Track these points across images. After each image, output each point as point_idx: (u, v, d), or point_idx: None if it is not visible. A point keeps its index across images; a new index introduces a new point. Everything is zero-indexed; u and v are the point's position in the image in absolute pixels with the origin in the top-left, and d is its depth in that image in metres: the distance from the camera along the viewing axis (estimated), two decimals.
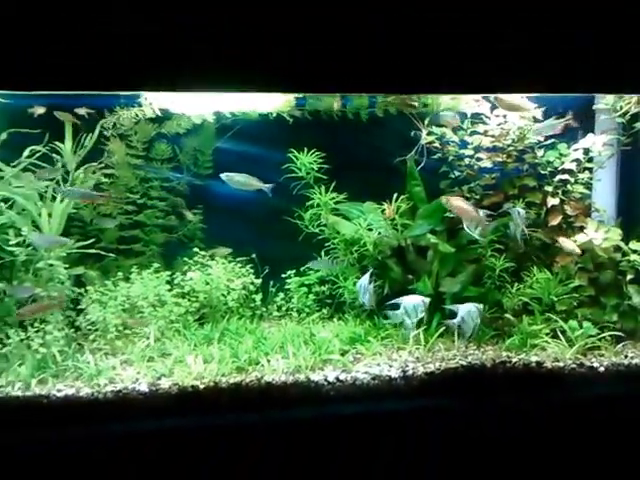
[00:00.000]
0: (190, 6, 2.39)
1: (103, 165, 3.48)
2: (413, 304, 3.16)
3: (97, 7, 2.33)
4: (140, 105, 3.41)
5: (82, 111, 3.30)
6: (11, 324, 3.14)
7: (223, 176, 3.42)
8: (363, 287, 3.30)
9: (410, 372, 3.04)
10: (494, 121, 3.50)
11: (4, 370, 2.93)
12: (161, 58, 2.43)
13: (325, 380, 2.97)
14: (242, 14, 2.42)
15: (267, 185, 3.39)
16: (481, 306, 3.27)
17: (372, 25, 2.51)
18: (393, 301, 3.21)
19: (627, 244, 3.43)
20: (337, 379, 2.98)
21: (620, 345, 3.26)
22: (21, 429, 2.70)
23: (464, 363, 3.10)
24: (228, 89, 2.78)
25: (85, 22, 2.35)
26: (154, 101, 3.36)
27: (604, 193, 3.66)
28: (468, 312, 3.23)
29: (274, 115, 3.52)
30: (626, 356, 3.19)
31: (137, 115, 3.43)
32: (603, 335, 3.26)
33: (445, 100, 3.43)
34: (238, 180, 3.37)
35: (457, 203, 3.25)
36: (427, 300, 3.20)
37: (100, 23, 2.35)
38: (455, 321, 3.23)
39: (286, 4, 2.43)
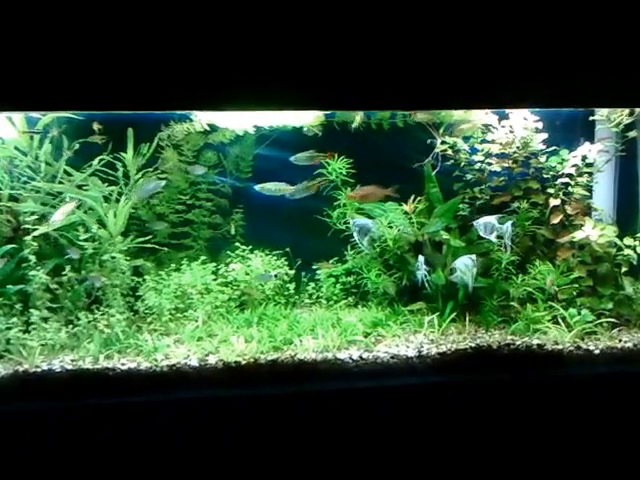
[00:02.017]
0: (230, 37, 2.51)
1: (159, 171, 3.56)
2: (419, 263, 3.34)
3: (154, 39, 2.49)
4: (191, 120, 3.50)
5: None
6: (81, 308, 3.25)
7: (257, 187, 3.51)
8: (365, 227, 3.40)
9: (425, 352, 3.09)
10: (501, 131, 3.53)
11: (76, 347, 3.06)
12: (208, 83, 2.55)
13: (350, 358, 3.04)
14: (278, 46, 2.55)
15: (294, 188, 3.49)
16: (474, 256, 3.29)
17: (389, 53, 2.61)
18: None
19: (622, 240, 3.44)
20: (360, 357, 3.05)
21: (615, 330, 3.28)
22: (91, 396, 2.81)
23: (473, 345, 3.14)
24: (267, 108, 2.88)
25: (141, 52, 2.49)
26: (203, 117, 3.46)
27: (603, 194, 3.69)
28: (464, 264, 3.27)
29: (307, 126, 3.55)
30: (620, 340, 3.22)
31: (188, 128, 3.51)
32: (599, 321, 3.28)
33: (458, 112, 3.47)
34: (269, 188, 3.49)
35: (357, 193, 3.46)
36: (422, 258, 3.35)
37: (155, 52, 2.49)
38: (457, 274, 3.27)
39: (317, 36, 2.56)
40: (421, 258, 3.38)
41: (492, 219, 3.31)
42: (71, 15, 2.42)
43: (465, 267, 3.26)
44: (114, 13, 2.44)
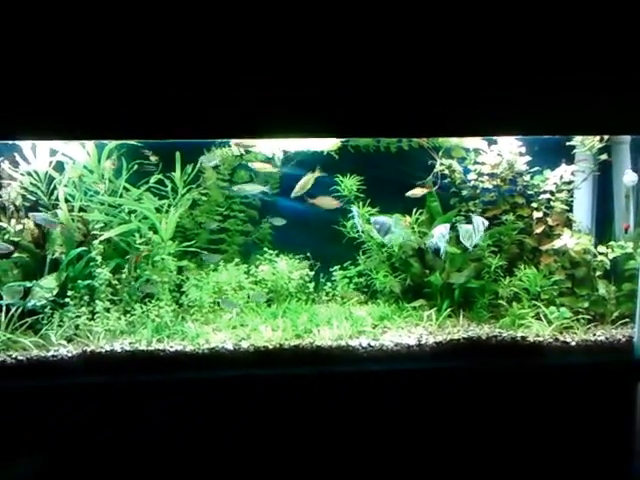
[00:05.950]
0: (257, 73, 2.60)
1: (202, 187, 3.78)
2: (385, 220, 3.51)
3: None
4: (229, 145, 3.72)
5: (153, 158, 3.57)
6: (136, 300, 3.46)
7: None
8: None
9: (424, 341, 3.22)
10: (491, 154, 3.75)
11: (133, 332, 3.26)
12: (242, 117, 2.66)
13: (360, 346, 3.17)
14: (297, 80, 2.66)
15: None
16: (449, 225, 3.37)
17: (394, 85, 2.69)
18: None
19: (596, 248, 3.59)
20: (369, 345, 3.18)
21: (589, 326, 3.41)
22: (145, 372, 3.05)
23: (465, 336, 3.27)
24: (291, 136, 3.10)
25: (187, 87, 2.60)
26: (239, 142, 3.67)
27: (583, 209, 3.84)
28: (440, 232, 3.37)
29: (325, 149, 3.63)
30: (594, 334, 3.34)
31: (227, 152, 3.73)
32: (576, 318, 3.41)
33: (453, 139, 3.68)
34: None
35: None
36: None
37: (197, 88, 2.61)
38: (433, 240, 3.37)
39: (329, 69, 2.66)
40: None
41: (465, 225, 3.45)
42: (131, 52, 2.55)
43: (441, 234, 3.36)
44: (169, 52, 2.58)
